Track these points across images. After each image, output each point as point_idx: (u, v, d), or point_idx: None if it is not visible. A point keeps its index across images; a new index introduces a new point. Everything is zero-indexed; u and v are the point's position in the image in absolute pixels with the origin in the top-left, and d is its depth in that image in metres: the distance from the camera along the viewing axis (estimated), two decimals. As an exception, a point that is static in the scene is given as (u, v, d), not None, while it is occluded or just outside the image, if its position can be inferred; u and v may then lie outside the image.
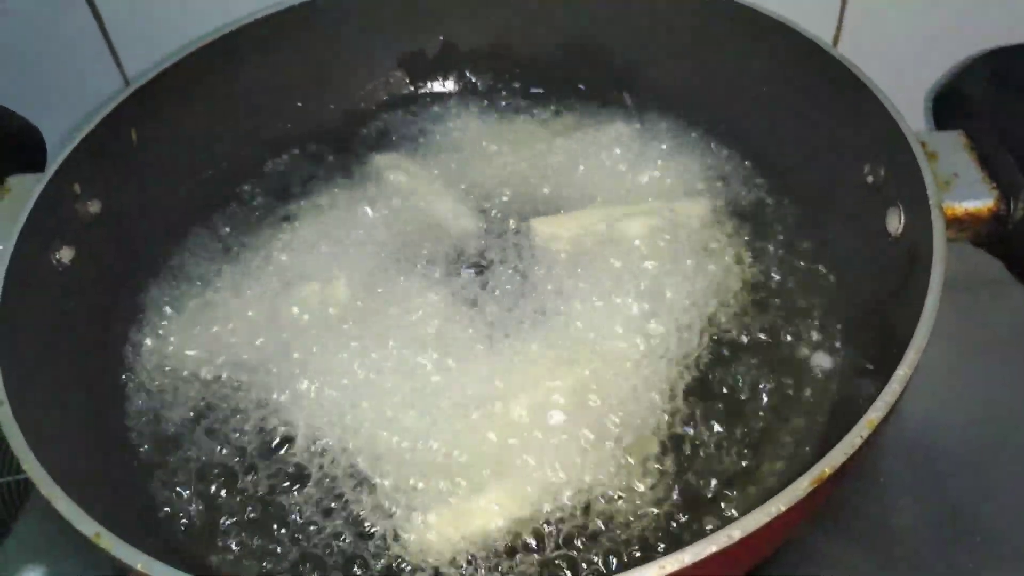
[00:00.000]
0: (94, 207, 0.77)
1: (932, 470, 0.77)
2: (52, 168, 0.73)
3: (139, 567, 0.49)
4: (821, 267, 0.78)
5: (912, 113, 0.95)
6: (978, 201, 0.70)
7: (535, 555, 0.61)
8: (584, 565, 0.61)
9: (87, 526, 0.51)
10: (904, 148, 0.68)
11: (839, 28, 0.96)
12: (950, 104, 0.79)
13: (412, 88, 0.98)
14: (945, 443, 0.79)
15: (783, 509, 0.48)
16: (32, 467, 0.54)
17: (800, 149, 0.82)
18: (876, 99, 0.71)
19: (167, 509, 0.67)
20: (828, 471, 0.50)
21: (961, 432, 0.80)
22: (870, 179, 0.73)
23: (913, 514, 0.74)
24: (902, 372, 0.54)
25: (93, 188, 0.76)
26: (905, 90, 0.78)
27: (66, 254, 0.73)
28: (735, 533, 0.47)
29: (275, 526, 0.65)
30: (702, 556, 0.46)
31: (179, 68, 0.83)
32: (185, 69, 0.83)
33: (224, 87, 0.87)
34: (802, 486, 0.49)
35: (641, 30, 0.92)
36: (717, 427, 0.69)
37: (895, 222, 0.69)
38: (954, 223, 0.70)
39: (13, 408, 0.58)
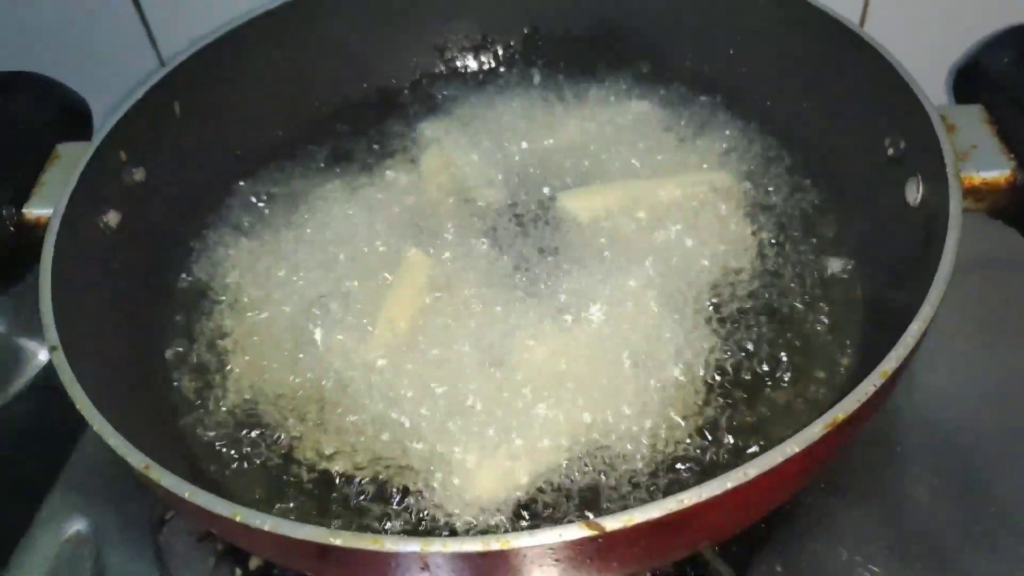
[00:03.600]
0: (139, 174, 0.80)
1: (948, 441, 0.78)
2: (100, 136, 0.76)
3: (187, 496, 0.52)
4: (842, 236, 0.80)
5: (935, 89, 0.96)
6: (995, 171, 0.71)
7: (561, 495, 0.64)
8: (607, 503, 0.64)
9: (136, 458, 0.54)
10: (924, 121, 0.69)
11: (866, 6, 0.98)
12: (971, 79, 0.80)
13: (447, 66, 1.01)
14: (962, 416, 0.80)
15: (797, 451, 0.50)
16: (84, 405, 0.57)
17: (823, 123, 0.83)
18: (898, 74, 0.73)
19: (206, 456, 0.70)
20: (841, 416, 0.52)
21: (978, 405, 0.80)
22: (891, 151, 0.74)
23: (929, 484, 0.75)
24: (916, 326, 0.56)
25: (138, 156, 0.80)
26: (929, 66, 0.79)
27: (113, 218, 0.77)
28: (751, 471, 0.49)
29: (305, 476, 0.68)
30: (718, 492, 0.48)
31: (219, 45, 0.86)
32: (225, 46, 0.87)
33: (264, 63, 0.90)
34: (816, 430, 0.51)
35: (669, 11, 0.94)
36: (739, 388, 0.71)
37: (914, 192, 0.71)
38: (971, 192, 0.71)
39: (66, 353, 0.61)
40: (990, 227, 0.77)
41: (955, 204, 0.63)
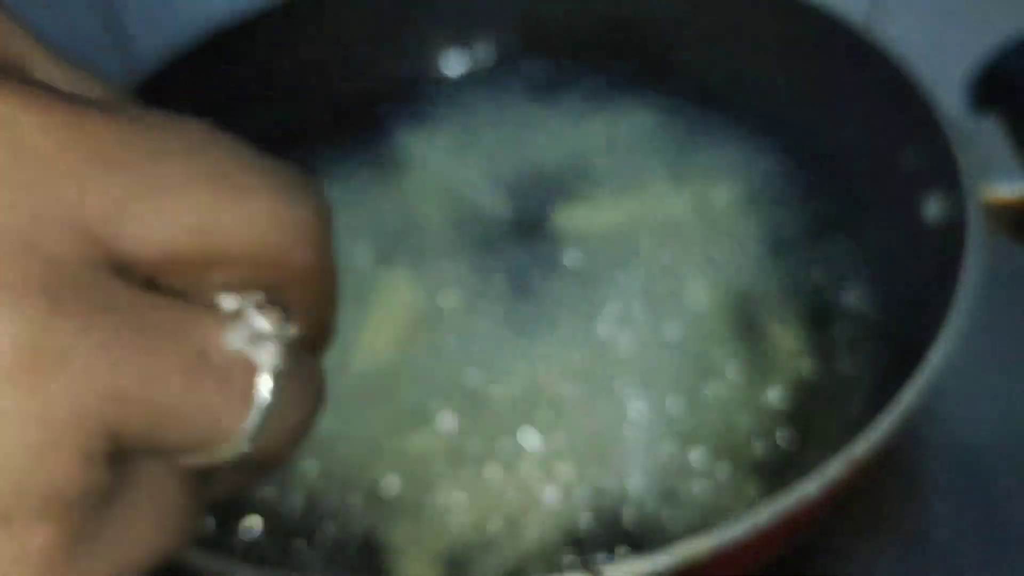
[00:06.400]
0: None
1: (973, 473, 0.74)
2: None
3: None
4: (853, 255, 0.77)
5: (951, 98, 0.94)
6: (1014, 186, 0.69)
7: (558, 540, 0.61)
8: (608, 549, 0.61)
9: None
10: (939, 133, 0.67)
11: (876, 9, 0.96)
12: (988, 88, 0.78)
13: (438, 73, 0.97)
14: (987, 446, 0.76)
15: (813, 492, 0.47)
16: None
17: (831, 134, 0.81)
18: (911, 83, 0.70)
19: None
20: (859, 454, 0.49)
21: (1004, 435, 0.76)
22: (904, 165, 0.72)
23: (953, 517, 0.72)
24: (939, 353, 0.53)
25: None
26: (943, 74, 0.77)
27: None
28: (763, 515, 0.46)
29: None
30: (730, 537, 0.45)
31: (194, 54, 0.83)
32: (199, 55, 0.84)
33: (240, 73, 0.87)
34: (832, 469, 0.48)
35: (672, 20, 0.91)
36: (751, 418, 0.68)
37: (930, 209, 0.68)
38: (989, 209, 0.68)
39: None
40: (1013, 247, 0.74)
41: (974, 222, 0.61)
